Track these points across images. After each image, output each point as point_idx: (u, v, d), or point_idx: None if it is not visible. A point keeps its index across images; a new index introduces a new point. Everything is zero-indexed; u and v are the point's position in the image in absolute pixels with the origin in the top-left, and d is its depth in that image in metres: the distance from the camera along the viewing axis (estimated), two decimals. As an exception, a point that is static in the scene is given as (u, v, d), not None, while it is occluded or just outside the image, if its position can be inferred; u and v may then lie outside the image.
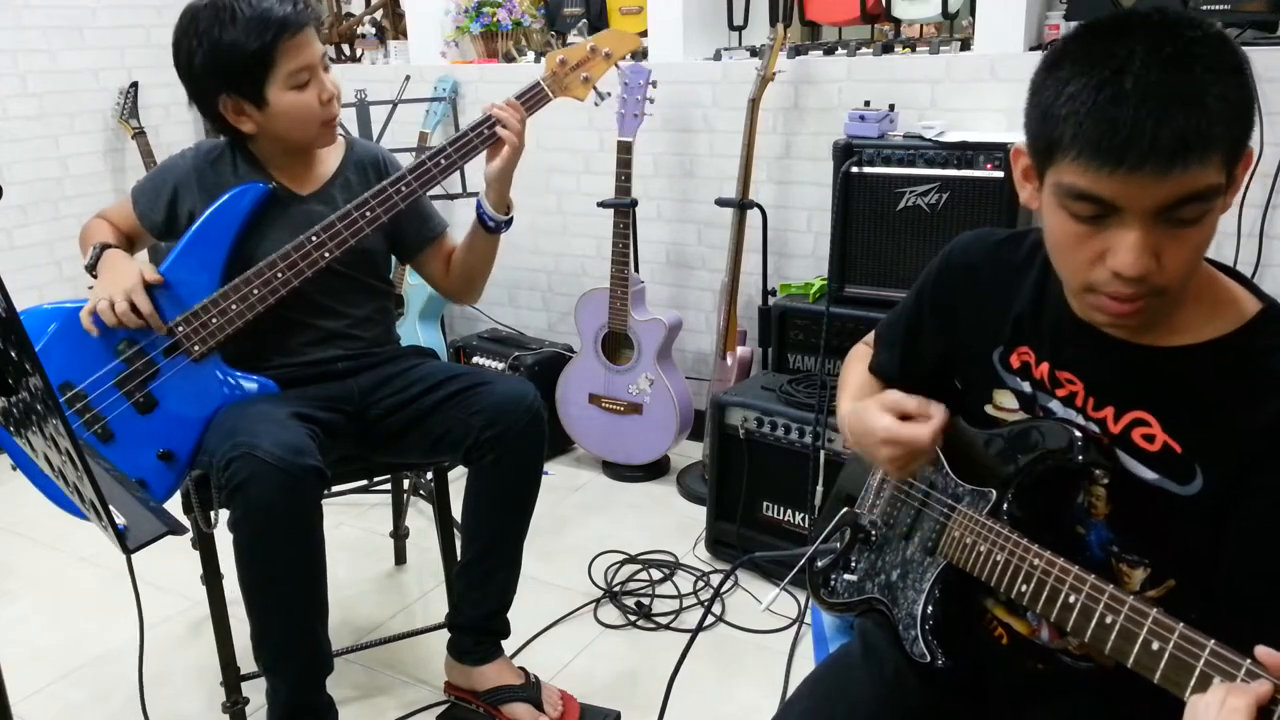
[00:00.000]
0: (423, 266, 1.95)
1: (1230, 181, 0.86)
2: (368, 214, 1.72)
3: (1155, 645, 0.81)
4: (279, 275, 1.69)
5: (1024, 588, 0.95)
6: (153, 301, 1.66)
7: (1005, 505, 1.03)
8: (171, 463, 1.71)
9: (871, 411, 1.11)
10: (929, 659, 1.06)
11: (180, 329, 1.69)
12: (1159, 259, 0.85)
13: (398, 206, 1.74)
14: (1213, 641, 0.77)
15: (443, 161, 1.76)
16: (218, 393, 1.72)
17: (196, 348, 1.69)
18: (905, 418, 1.08)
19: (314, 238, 1.70)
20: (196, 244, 1.72)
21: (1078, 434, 0.98)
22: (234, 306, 1.69)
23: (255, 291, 1.69)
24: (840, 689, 1.14)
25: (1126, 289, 0.87)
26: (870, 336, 1.33)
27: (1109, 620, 0.85)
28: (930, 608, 1.08)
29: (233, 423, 1.62)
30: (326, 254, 1.70)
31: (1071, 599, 0.89)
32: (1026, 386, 1.07)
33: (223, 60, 1.64)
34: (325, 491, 1.65)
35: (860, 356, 1.33)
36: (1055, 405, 1.03)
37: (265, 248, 1.73)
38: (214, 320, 1.69)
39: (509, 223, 1.84)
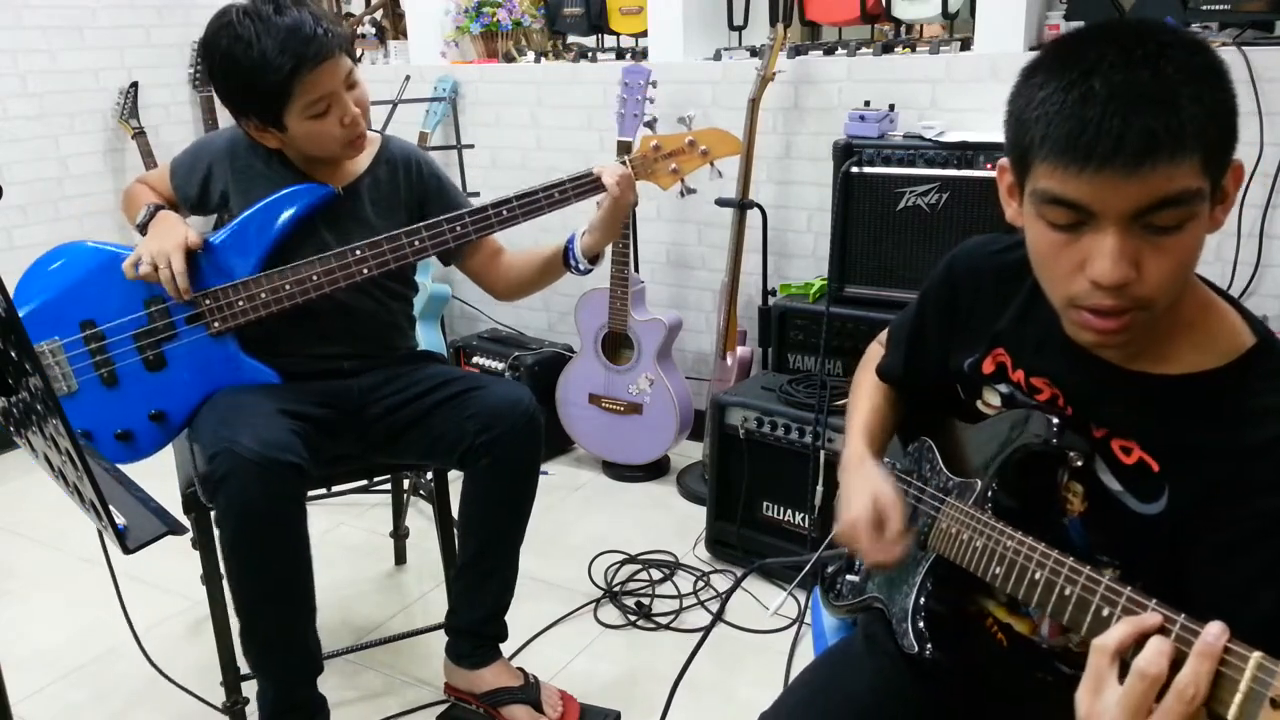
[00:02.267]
0: (465, 266, 1.94)
1: (1218, 193, 0.85)
2: (416, 243, 1.73)
3: (1106, 611, 0.82)
4: (314, 278, 1.71)
5: (997, 570, 0.96)
6: (194, 267, 1.69)
7: (989, 493, 1.05)
8: (163, 423, 1.75)
9: (860, 490, 1.13)
10: (917, 650, 1.07)
11: (207, 302, 1.71)
12: (1139, 269, 0.84)
13: (447, 245, 1.74)
14: (1154, 601, 0.78)
15: (505, 213, 1.74)
16: (224, 371, 1.74)
17: (216, 324, 1.72)
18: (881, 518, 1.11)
19: (358, 251, 1.71)
20: (249, 225, 1.74)
21: (1054, 419, 0.98)
22: (263, 295, 1.71)
23: (287, 287, 1.71)
24: (839, 677, 1.16)
25: (1107, 300, 0.85)
26: (884, 335, 1.33)
27: (1067, 591, 0.86)
28: (921, 599, 1.10)
29: (223, 411, 1.65)
30: (365, 269, 1.72)
31: (1037, 575, 0.90)
32: (1004, 388, 1.08)
33: (240, 89, 1.65)
34: (316, 487, 1.66)
35: (873, 359, 1.33)
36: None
37: (285, 235, 1.74)
38: (240, 303, 1.71)
39: (588, 271, 1.83)
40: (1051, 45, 0.88)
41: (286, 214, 1.73)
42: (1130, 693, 0.73)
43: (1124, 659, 0.76)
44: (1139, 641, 0.76)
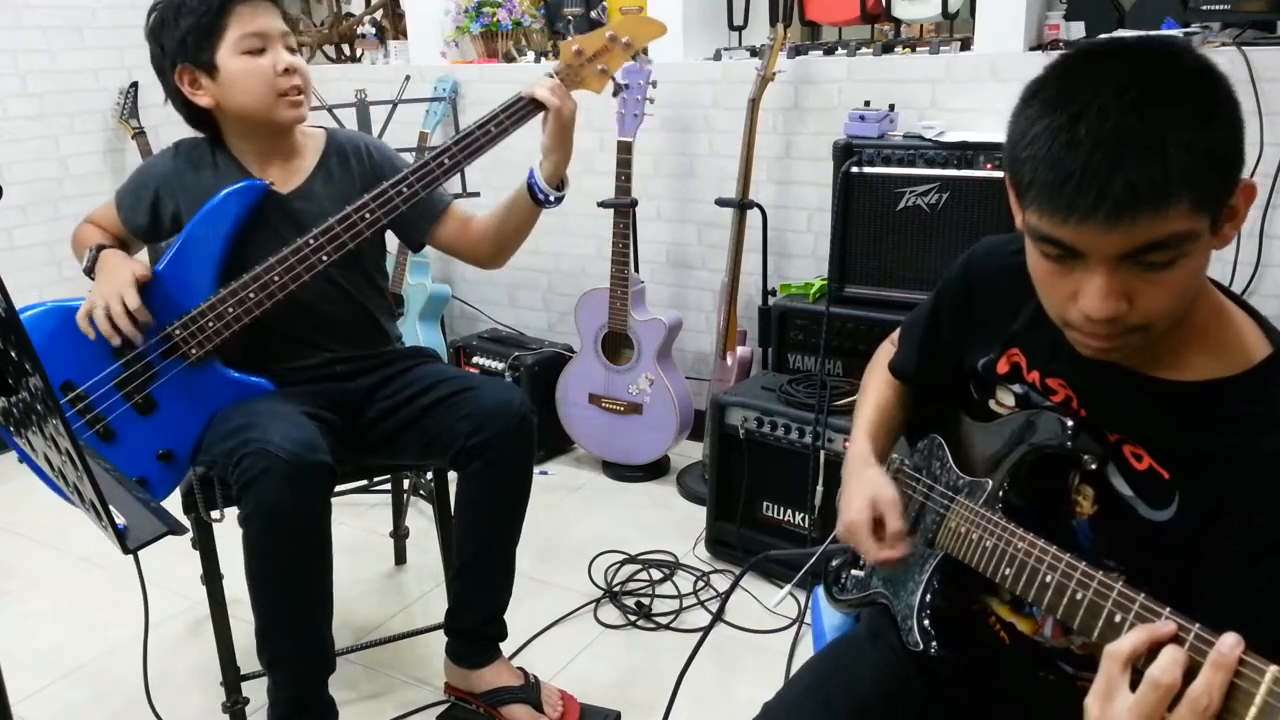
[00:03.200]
0: (437, 240, 1.90)
1: (1223, 214, 0.84)
2: (367, 216, 1.68)
3: (1118, 617, 0.82)
4: (275, 279, 1.67)
5: (1007, 571, 0.96)
6: (149, 301, 1.65)
7: (1001, 493, 1.05)
8: (171, 462, 1.72)
9: (859, 492, 1.15)
10: (921, 647, 1.08)
11: (178, 332, 1.68)
12: (1131, 301, 0.84)
13: (398, 210, 1.69)
14: (1167, 609, 0.78)
15: (446, 161, 1.69)
16: (216, 394, 1.72)
17: (194, 351, 1.69)
18: (880, 519, 1.13)
19: (311, 241, 1.67)
20: (192, 242, 1.70)
21: (1070, 421, 0.99)
22: (230, 310, 1.67)
23: (252, 295, 1.67)
24: (842, 669, 1.16)
25: (1101, 329, 0.86)
26: (895, 334, 1.33)
27: (1079, 596, 0.86)
28: (928, 596, 1.10)
29: (240, 420, 1.63)
30: (324, 258, 1.68)
31: (1048, 578, 0.90)
32: (1018, 388, 1.08)
33: (176, 22, 1.66)
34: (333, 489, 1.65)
35: (884, 356, 1.34)
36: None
37: (249, 249, 1.71)
38: (210, 324, 1.68)
39: (560, 199, 1.76)
40: (1052, 69, 0.86)
41: (225, 222, 1.69)
42: (1142, 701, 0.73)
43: (1136, 666, 0.76)
44: (1152, 649, 0.75)
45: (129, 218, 1.82)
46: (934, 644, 1.07)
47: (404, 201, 1.69)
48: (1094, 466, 0.98)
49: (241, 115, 1.72)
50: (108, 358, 1.68)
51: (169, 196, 1.78)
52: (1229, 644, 0.71)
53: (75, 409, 1.67)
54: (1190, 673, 0.72)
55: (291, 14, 3.93)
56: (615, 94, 1.82)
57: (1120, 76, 0.80)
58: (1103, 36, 0.88)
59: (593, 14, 3.19)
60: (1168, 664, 0.73)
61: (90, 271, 1.73)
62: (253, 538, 1.58)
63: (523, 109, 1.71)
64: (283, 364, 1.79)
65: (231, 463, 1.55)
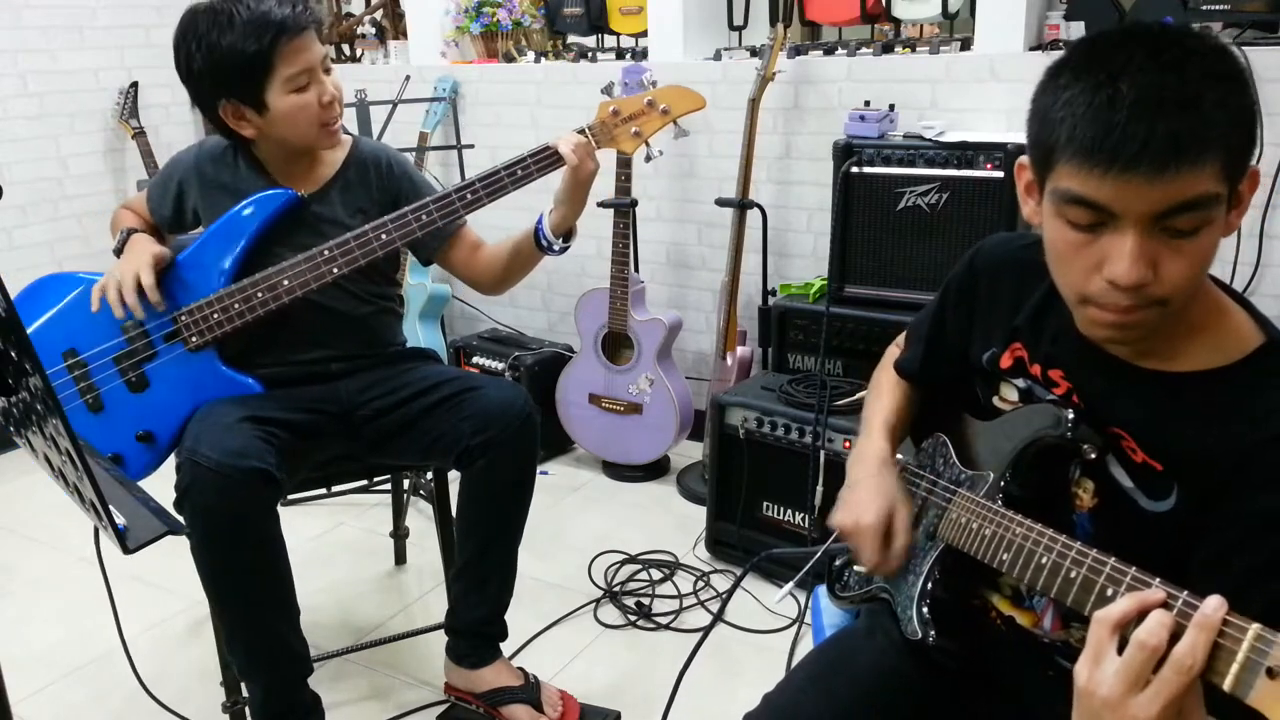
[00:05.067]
0: (444, 261, 1.92)
1: (1234, 197, 0.86)
2: (383, 237, 1.71)
3: (1110, 591, 0.83)
4: (284, 284, 1.70)
5: (1005, 556, 0.97)
6: (166, 285, 1.70)
7: (1002, 484, 1.06)
8: (151, 444, 1.74)
9: (875, 497, 1.15)
10: (920, 636, 1.08)
11: (183, 318, 1.72)
12: (1156, 270, 0.85)
13: (414, 235, 1.72)
14: (1157, 580, 0.79)
15: (469, 196, 1.71)
16: (207, 385, 1.74)
17: (194, 338, 1.72)
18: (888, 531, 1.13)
19: (325, 252, 1.70)
20: (216, 237, 1.74)
21: (1069, 413, 0.99)
22: (237, 305, 1.71)
23: (259, 295, 1.70)
24: (843, 660, 1.17)
25: (1123, 300, 0.87)
26: (901, 337, 1.34)
27: (1073, 574, 0.87)
28: (929, 586, 1.11)
29: (199, 421, 1.65)
30: (335, 269, 1.70)
31: (1044, 559, 0.91)
32: (1021, 383, 1.09)
33: (221, 65, 1.63)
34: (301, 491, 1.65)
35: (890, 360, 1.34)
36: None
37: (261, 246, 1.74)
38: (215, 315, 1.71)
39: (565, 249, 1.78)
40: (1079, 45, 0.89)
41: (250, 223, 1.73)
42: (1129, 663, 0.74)
43: (1124, 634, 0.77)
44: (1141, 616, 0.76)
45: (155, 209, 1.88)
46: (932, 633, 1.08)
47: (421, 228, 1.72)
48: (1093, 456, 0.99)
49: (283, 144, 1.75)
50: (114, 332, 1.74)
51: (190, 190, 1.83)
52: (1213, 605, 0.72)
53: (72, 375, 1.74)
54: (1177, 637, 0.73)
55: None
56: (647, 160, 1.83)
57: (1151, 45, 0.83)
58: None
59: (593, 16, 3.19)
60: (1154, 626, 0.74)
61: (119, 252, 1.78)
62: (195, 548, 1.59)
63: (549, 158, 1.72)
64: (280, 356, 1.80)
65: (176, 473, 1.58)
